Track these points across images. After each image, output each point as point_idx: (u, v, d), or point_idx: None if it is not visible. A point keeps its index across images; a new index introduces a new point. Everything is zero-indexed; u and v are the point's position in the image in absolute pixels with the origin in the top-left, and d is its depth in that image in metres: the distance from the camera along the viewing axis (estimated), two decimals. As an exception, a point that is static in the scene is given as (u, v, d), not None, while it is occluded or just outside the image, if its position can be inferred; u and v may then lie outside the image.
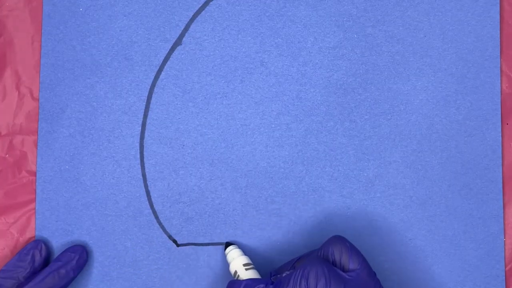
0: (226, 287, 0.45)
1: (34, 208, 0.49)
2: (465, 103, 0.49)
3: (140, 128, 0.49)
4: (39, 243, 0.48)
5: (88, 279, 0.48)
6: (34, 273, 0.47)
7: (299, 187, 0.49)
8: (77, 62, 0.49)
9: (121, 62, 0.49)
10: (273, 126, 0.49)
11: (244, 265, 0.46)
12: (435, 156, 0.49)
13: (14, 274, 0.46)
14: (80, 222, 0.49)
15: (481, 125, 0.49)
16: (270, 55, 0.49)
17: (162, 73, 0.49)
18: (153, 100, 0.49)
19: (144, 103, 0.49)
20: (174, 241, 0.49)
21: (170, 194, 0.49)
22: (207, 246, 0.49)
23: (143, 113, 0.49)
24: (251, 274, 0.46)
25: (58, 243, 0.49)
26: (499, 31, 0.50)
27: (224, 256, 0.48)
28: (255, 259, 0.48)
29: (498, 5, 0.50)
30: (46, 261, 0.48)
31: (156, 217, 0.49)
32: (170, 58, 0.49)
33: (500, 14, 0.50)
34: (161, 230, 0.49)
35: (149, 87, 0.49)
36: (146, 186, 0.49)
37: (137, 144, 0.49)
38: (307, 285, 0.41)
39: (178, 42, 0.50)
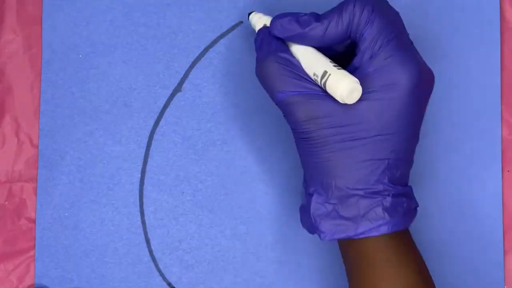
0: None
1: (34, 256, 0.49)
2: (466, 150, 0.49)
3: (139, 175, 0.49)
4: (38, 292, 0.48)
5: (88, 327, 0.48)
6: (33, 323, 0.47)
7: (300, 234, 0.49)
8: (77, 109, 0.49)
9: (120, 109, 0.49)
10: (273, 173, 0.49)
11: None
12: (435, 203, 0.49)
13: (14, 325, 0.46)
14: (80, 270, 0.49)
15: (481, 172, 0.49)
16: (270, 101, 0.49)
17: (162, 120, 0.49)
18: (152, 147, 0.49)
19: (144, 150, 0.49)
20: (174, 289, 0.49)
21: (169, 241, 0.49)
22: (207, 294, 0.49)
23: (142, 160, 0.49)
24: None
25: (57, 291, 0.49)
26: (499, 78, 0.49)
27: (224, 305, 0.48)
28: (255, 307, 0.48)
29: (499, 51, 0.49)
30: (46, 310, 0.48)
31: (156, 265, 0.49)
32: (170, 105, 0.49)
33: (500, 60, 0.50)
34: (160, 277, 0.49)
35: (148, 134, 0.49)
36: (145, 233, 0.49)
37: (137, 191, 0.49)
38: (353, 9, 0.39)
39: (177, 89, 0.49)
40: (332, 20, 0.40)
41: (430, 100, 0.47)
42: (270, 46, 0.41)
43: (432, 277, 0.48)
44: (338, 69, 0.39)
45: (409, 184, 0.42)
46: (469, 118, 0.49)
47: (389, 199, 0.39)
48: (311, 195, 0.41)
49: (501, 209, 0.49)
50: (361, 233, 0.39)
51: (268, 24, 0.44)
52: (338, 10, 0.40)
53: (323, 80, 0.39)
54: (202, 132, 0.49)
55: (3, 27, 0.50)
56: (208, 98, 0.49)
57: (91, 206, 0.49)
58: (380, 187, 0.39)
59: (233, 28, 0.49)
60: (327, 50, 0.43)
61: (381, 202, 0.39)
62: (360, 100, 0.38)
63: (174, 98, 0.49)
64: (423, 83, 0.40)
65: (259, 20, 0.44)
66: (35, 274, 0.49)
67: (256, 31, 0.44)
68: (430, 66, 0.50)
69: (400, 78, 0.38)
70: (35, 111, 0.49)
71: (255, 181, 0.49)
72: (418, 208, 0.42)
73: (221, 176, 0.49)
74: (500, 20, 0.50)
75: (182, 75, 0.49)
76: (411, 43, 0.41)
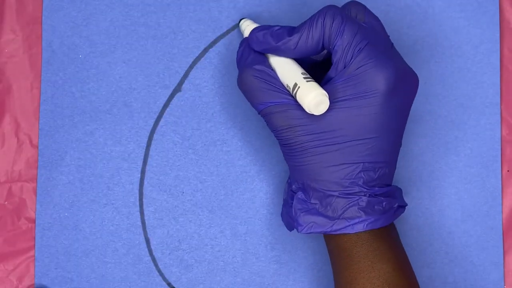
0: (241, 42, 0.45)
1: (34, 256, 0.49)
2: (465, 150, 0.49)
3: (139, 175, 0.49)
4: (38, 292, 0.48)
5: (88, 327, 0.48)
6: (33, 323, 0.47)
7: (299, 234, 0.49)
8: (76, 109, 0.49)
9: (120, 108, 0.49)
10: (273, 173, 0.49)
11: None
12: (434, 203, 0.49)
13: (14, 325, 0.46)
14: (80, 270, 0.49)
15: (481, 172, 0.49)
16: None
17: (162, 120, 0.49)
18: (152, 147, 0.49)
19: (144, 150, 0.49)
20: (174, 289, 0.49)
21: (169, 241, 0.49)
22: (207, 294, 0.49)
23: (142, 160, 0.49)
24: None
25: (57, 291, 0.49)
26: (499, 78, 0.49)
27: (224, 305, 0.48)
28: (255, 307, 0.48)
29: (499, 51, 0.50)
30: (46, 310, 0.48)
31: (156, 265, 0.49)
32: (170, 105, 0.49)
33: (500, 60, 0.50)
34: (160, 277, 0.49)
35: (148, 134, 0.49)
36: (145, 233, 0.49)
37: (137, 191, 0.49)
38: (323, 22, 0.40)
39: (177, 89, 0.49)
40: (303, 33, 0.41)
41: (429, 100, 0.47)
42: (248, 58, 0.43)
43: (432, 277, 0.48)
44: (308, 81, 0.40)
45: (393, 183, 0.42)
46: (468, 118, 0.49)
47: (365, 198, 0.41)
48: (294, 192, 0.43)
49: (501, 209, 0.49)
50: (337, 230, 0.41)
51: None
52: (309, 23, 0.41)
53: (294, 92, 0.40)
54: (202, 132, 0.49)
55: (3, 27, 0.50)
56: (208, 98, 0.49)
57: (91, 206, 0.49)
58: (355, 188, 0.41)
59: (233, 28, 0.49)
60: (306, 60, 0.45)
61: (357, 201, 0.41)
62: (331, 109, 0.40)
63: (174, 98, 0.49)
64: (402, 86, 0.40)
65: (247, 28, 0.46)
66: (35, 274, 0.49)
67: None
68: (429, 66, 0.50)
69: (373, 85, 0.39)
70: (35, 111, 0.49)
71: (255, 181, 0.49)
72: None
73: (221, 176, 0.49)
74: (500, 20, 0.50)
75: (182, 75, 0.49)
76: (391, 46, 0.42)
